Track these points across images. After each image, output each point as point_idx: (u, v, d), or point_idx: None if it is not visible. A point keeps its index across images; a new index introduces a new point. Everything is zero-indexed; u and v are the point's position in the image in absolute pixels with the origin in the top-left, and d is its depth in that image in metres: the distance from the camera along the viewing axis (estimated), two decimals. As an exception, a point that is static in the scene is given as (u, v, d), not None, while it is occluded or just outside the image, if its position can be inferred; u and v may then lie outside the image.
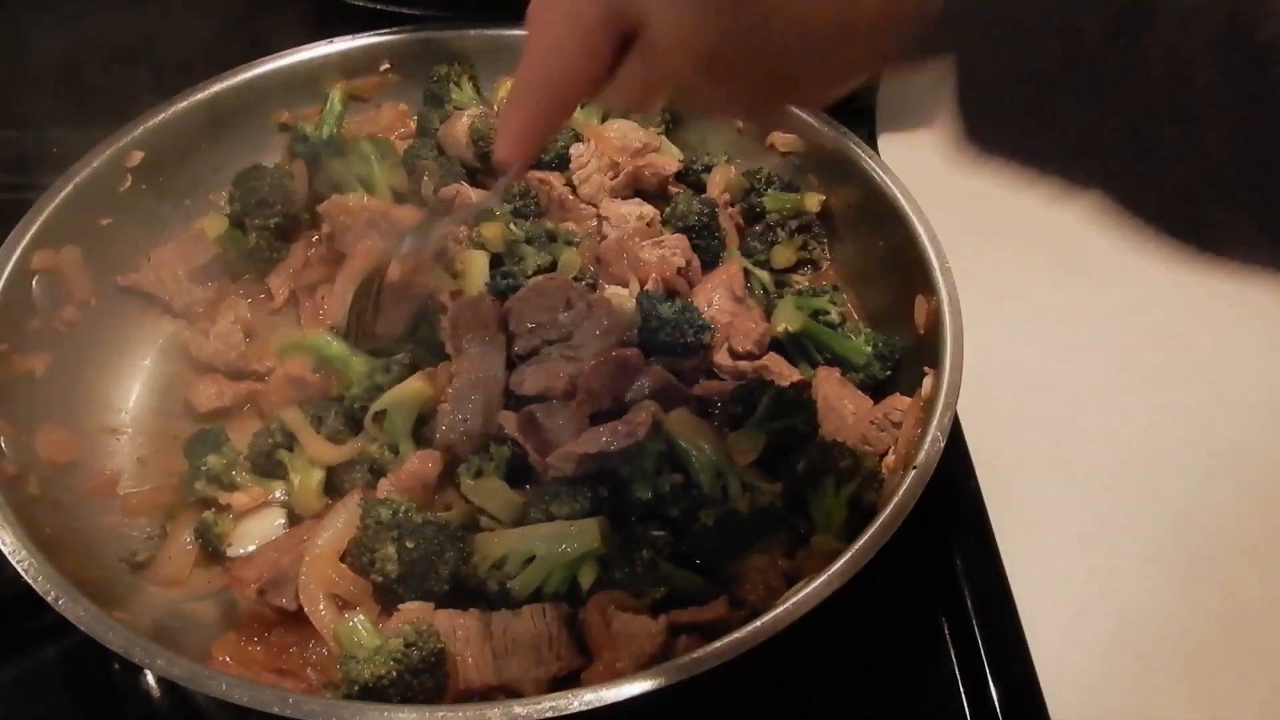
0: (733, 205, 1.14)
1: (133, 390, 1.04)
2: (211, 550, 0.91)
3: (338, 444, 0.94)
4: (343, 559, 0.86)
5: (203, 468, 0.92)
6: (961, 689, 0.91)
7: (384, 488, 0.88)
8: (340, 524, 0.87)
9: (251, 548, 0.90)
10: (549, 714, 0.69)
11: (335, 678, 0.79)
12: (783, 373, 1.00)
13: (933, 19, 0.51)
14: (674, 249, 1.04)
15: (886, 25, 0.53)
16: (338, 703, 0.72)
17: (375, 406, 0.92)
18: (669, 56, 0.58)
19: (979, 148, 0.52)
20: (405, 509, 0.84)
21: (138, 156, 1.07)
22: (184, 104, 1.11)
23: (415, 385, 0.93)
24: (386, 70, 1.21)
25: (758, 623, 0.73)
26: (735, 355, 1.01)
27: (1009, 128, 0.51)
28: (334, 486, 0.93)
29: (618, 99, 0.66)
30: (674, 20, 0.56)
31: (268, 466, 0.94)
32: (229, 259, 1.09)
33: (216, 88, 1.13)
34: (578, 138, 1.14)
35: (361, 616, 0.81)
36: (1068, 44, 0.48)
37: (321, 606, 0.83)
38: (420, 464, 0.90)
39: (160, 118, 1.10)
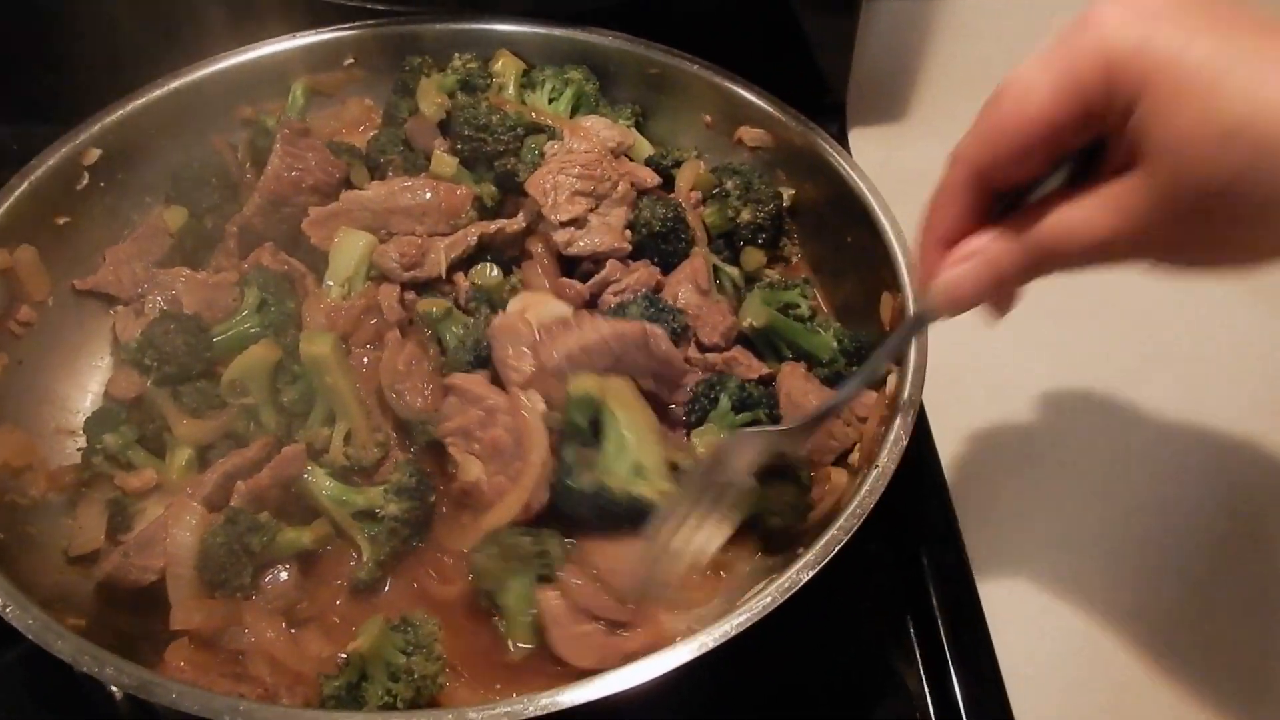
0: (702, 203, 1.13)
1: (90, 391, 1.03)
2: (119, 524, 0.91)
3: (200, 419, 0.94)
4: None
5: (99, 445, 0.93)
6: (926, 689, 0.91)
7: (240, 491, 0.87)
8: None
9: None
10: (503, 719, 0.68)
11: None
12: (750, 366, 0.99)
13: None
14: (635, 285, 1.03)
15: None
16: (291, 710, 0.71)
17: (226, 376, 0.93)
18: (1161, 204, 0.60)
19: None
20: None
21: (95, 154, 1.06)
22: (143, 100, 1.09)
23: (258, 350, 0.93)
24: (351, 65, 1.19)
25: (719, 624, 0.73)
26: (703, 348, 1.00)
27: None
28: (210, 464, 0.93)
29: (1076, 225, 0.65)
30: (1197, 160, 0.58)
31: (157, 447, 0.95)
32: (187, 248, 1.08)
33: (176, 84, 1.11)
34: (552, 135, 1.12)
35: None
36: None
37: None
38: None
39: (119, 114, 1.08)
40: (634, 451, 0.86)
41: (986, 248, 0.68)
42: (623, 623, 0.83)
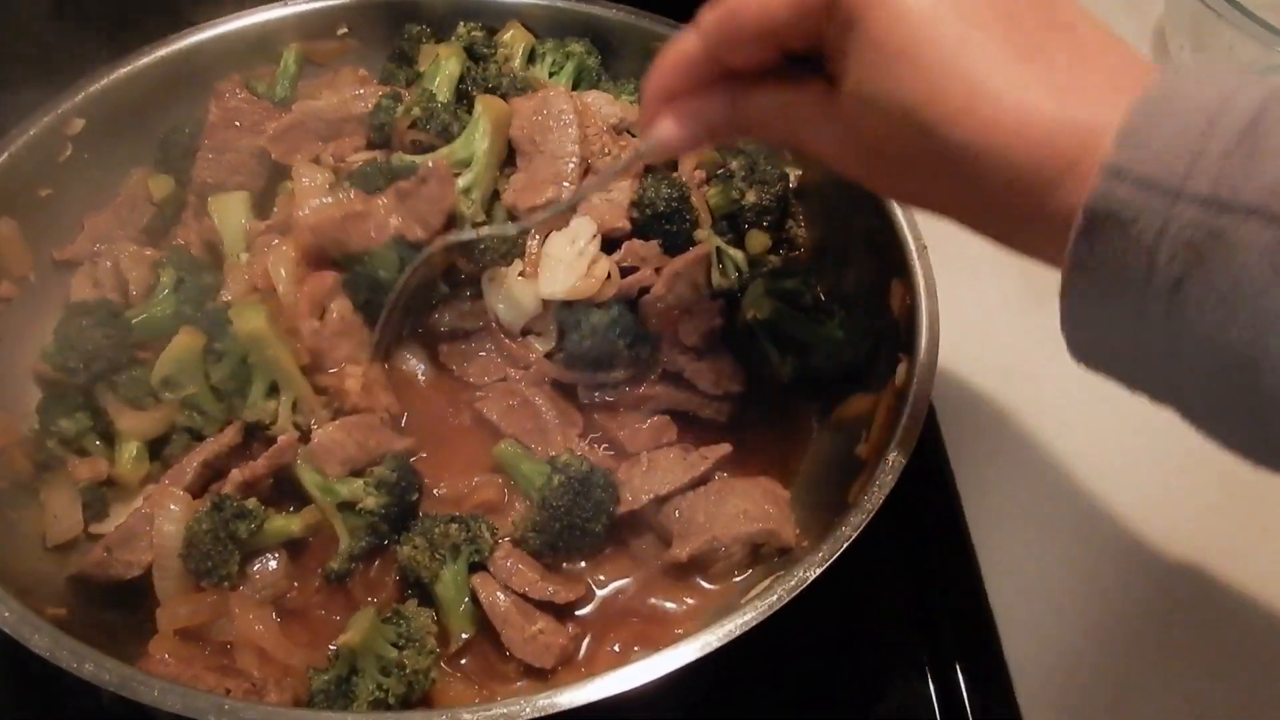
0: (707, 183, 1.10)
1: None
2: (96, 513, 0.88)
3: (141, 410, 0.90)
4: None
5: (53, 428, 0.90)
6: (931, 682, 0.90)
7: (234, 479, 0.85)
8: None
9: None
10: (500, 721, 0.66)
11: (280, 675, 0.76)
12: (715, 382, 0.97)
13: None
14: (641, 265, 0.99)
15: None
16: (277, 710, 0.68)
17: (155, 375, 0.89)
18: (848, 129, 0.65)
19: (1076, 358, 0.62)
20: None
21: (79, 124, 1.02)
22: (129, 68, 1.05)
23: (183, 340, 0.89)
24: (344, 35, 1.16)
25: (724, 623, 0.71)
26: (681, 349, 0.97)
27: (1102, 361, 0.62)
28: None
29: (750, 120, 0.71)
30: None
31: (111, 437, 0.91)
32: (167, 216, 1.05)
33: (163, 51, 1.07)
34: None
35: None
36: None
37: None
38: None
39: (103, 83, 1.04)
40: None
41: (701, 111, 0.72)
42: (562, 604, 0.82)
